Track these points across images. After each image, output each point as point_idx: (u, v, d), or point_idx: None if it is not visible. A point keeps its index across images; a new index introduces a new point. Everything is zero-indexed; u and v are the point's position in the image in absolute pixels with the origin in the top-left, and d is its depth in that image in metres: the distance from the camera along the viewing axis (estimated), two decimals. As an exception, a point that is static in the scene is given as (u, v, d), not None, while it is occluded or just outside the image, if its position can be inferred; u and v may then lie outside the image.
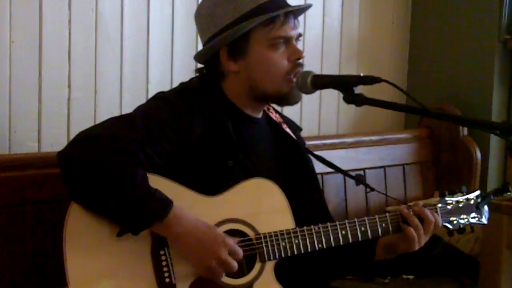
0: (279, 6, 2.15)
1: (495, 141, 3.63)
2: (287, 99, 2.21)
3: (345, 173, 2.43)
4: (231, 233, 2.08)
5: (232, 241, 2.02)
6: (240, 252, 2.02)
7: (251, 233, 2.08)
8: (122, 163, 1.95)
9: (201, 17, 2.22)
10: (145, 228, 1.97)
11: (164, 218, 1.95)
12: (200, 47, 2.29)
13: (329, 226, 2.14)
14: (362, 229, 2.17)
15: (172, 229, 1.97)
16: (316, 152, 2.47)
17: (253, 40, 2.14)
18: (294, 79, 2.17)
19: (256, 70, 2.17)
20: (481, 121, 2.33)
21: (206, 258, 1.98)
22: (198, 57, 2.27)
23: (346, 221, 2.16)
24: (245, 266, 2.08)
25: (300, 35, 2.21)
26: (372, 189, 2.37)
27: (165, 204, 1.96)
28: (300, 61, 2.19)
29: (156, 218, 1.95)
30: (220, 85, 2.22)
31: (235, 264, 2.00)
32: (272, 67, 2.16)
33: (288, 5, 2.18)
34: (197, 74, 2.29)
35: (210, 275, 2.01)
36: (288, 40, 2.17)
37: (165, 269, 2.00)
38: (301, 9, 2.23)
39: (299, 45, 2.21)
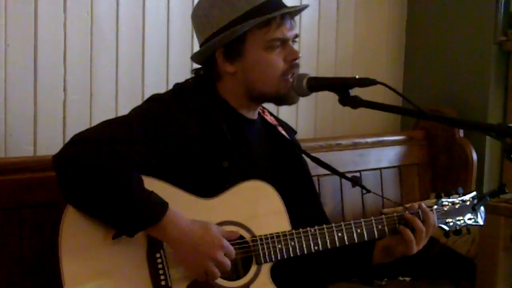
0: (275, 8, 2.14)
1: (491, 143, 3.64)
2: (285, 100, 2.21)
3: (340, 174, 2.42)
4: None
5: (228, 243, 2.01)
6: (233, 251, 2.01)
7: (247, 236, 2.08)
8: (118, 167, 1.94)
9: (198, 17, 2.21)
10: (140, 231, 1.96)
11: (159, 221, 1.95)
12: (196, 49, 2.28)
13: (325, 228, 2.14)
14: (358, 231, 2.17)
15: (167, 233, 1.97)
16: (312, 154, 2.46)
17: (249, 42, 2.14)
18: (291, 79, 2.17)
19: (252, 72, 2.16)
20: (477, 123, 2.33)
21: (202, 261, 1.97)
22: (195, 57, 2.26)
23: (342, 223, 2.16)
24: (241, 268, 2.07)
25: (296, 35, 2.20)
26: (368, 191, 2.36)
27: (161, 207, 1.96)
28: (296, 61, 2.18)
29: (151, 221, 1.94)
30: (216, 86, 2.21)
31: (228, 263, 2.00)
32: (268, 68, 2.15)
33: (285, 6, 2.17)
34: (193, 75, 2.29)
35: (206, 278, 2.00)
36: (284, 42, 2.16)
37: (161, 271, 1.99)
38: (298, 10, 2.22)
39: (296, 46, 2.20)
